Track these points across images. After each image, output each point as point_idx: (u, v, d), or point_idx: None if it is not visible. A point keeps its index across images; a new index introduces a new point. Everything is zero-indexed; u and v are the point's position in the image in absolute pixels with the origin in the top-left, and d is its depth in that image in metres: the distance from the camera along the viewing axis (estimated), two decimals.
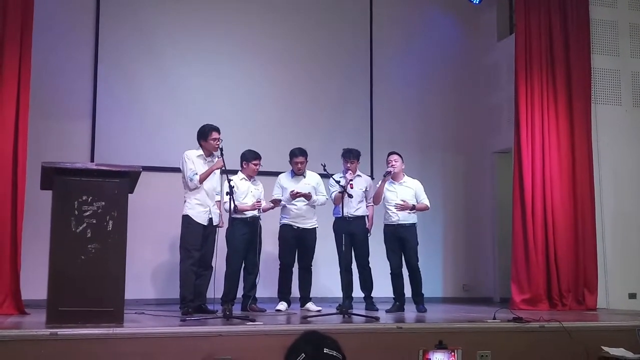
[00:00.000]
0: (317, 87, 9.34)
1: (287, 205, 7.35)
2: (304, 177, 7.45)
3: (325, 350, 2.42)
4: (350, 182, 7.18)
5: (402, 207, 7.30)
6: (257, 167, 7.31)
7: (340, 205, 6.97)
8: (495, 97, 9.86)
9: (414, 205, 7.33)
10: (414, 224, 7.42)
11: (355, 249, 7.50)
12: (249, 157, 7.31)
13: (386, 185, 7.46)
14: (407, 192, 7.42)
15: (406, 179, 7.53)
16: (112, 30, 8.51)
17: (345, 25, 9.62)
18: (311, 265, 7.45)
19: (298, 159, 7.39)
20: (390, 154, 7.51)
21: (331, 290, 8.18)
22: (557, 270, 7.88)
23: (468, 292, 9.69)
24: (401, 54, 9.88)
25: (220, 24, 8.99)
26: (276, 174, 7.62)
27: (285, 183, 7.42)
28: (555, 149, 8.12)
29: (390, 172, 7.35)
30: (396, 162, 7.41)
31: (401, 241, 7.37)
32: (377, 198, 7.47)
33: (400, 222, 7.34)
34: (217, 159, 6.62)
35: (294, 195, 7.21)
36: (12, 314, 6.12)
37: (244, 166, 7.32)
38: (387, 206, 7.43)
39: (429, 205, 7.51)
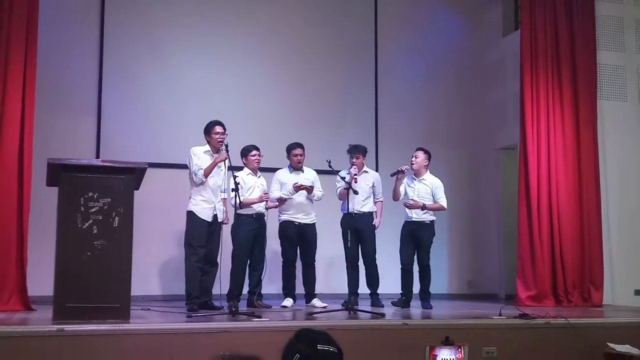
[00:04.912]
0: (322, 83, 9.32)
1: (288, 200, 7.32)
2: (302, 171, 7.45)
3: (319, 347, 2.40)
4: (355, 177, 7.17)
5: (411, 206, 7.28)
6: (256, 157, 7.26)
7: (346, 201, 6.97)
8: (501, 93, 9.83)
9: (424, 204, 7.28)
10: (432, 221, 7.38)
11: (362, 246, 7.47)
12: (246, 151, 7.31)
13: (407, 181, 7.46)
14: (424, 189, 7.39)
15: (426, 176, 7.46)
16: (117, 26, 8.49)
17: (350, 21, 9.60)
18: (314, 261, 7.45)
19: (297, 151, 7.39)
20: (416, 150, 7.51)
21: (337, 286, 8.18)
22: (563, 266, 7.87)
23: (473, 288, 9.67)
24: (406, 50, 9.85)
25: (224, 20, 8.97)
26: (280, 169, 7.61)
27: (285, 178, 7.40)
28: (561, 145, 8.10)
29: (402, 170, 7.31)
30: (416, 159, 7.40)
31: (415, 239, 7.36)
32: (394, 195, 7.44)
33: (414, 219, 7.33)
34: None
35: (297, 188, 7.21)
36: (19, 310, 6.14)
37: (245, 161, 7.32)
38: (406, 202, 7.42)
39: (444, 206, 7.40)
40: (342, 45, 9.50)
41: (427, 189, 7.39)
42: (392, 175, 7.37)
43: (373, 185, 7.58)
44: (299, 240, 7.39)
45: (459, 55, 10.02)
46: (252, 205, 7.03)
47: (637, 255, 8.40)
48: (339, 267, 7.87)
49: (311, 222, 7.42)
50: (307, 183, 7.31)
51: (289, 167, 7.50)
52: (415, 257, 7.42)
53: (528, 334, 5.58)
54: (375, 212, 7.60)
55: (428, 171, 7.51)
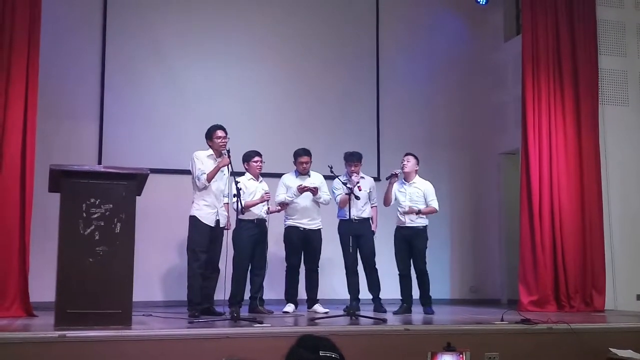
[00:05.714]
0: (323, 88, 9.33)
1: (292, 204, 7.33)
2: (309, 176, 7.45)
3: (322, 353, 2.40)
4: (358, 185, 7.20)
5: (408, 212, 7.28)
6: (259, 163, 7.29)
7: (347, 207, 6.95)
8: (502, 98, 9.84)
9: (419, 210, 7.28)
10: (425, 226, 7.36)
11: (362, 251, 7.48)
12: (248, 156, 7.33)
13: (397, 186, 7.45)
14: (416, 193, 7.38)
15: (417, 180, 7.45)
16: (120, 32, 8.52)
17: (352, 25, 9.61)
18: (317, 267, 7.46)
19: (303, 159, 7.39)
20: (405, 155, 7.50)
21: (338, 292, 8.17)
22: (565, 271, 7.85)
23: (475, 293, 9.65)
24: (408, 54, 9.86)
25: (226, 24, 8.99)
26: (282, 174, 7.60)
27: (291, 182, 7.41)
28: (563, 149, 8.09)
29: (395, 174, 7.32)
30: (407, 163, 7.39)
31: (409, 244, 7.34)
32: (386, 201, 7.45)
33: (407, 225, 7.32)
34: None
35: (301, 189, 7.21)
36: (21, 316, 6.14)
37: (247, 167, 7.33)
38: (398, 208, 7.41)
39: (437, 209, 7.39)
40: (344, 50, 9.50)
41: (419, 192, 7.38)
42: (387, 179, 7.38)
43: (370, 191, 7.61)
44: (303, 245, 7.39)
45: (460, 60, 10.02)
46: (253, 210, 7.04)
47: (639, 260, 8.38)
48: (339, 273, 7.86)
49: (316, 228, 7.41)
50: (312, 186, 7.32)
51: (295, 171, 7.51)
52: (412, 263, 7.41)
53: (530, 340, 5.57)
54: (372, 217, 7.62)
55: (417, 175, 7.51)
